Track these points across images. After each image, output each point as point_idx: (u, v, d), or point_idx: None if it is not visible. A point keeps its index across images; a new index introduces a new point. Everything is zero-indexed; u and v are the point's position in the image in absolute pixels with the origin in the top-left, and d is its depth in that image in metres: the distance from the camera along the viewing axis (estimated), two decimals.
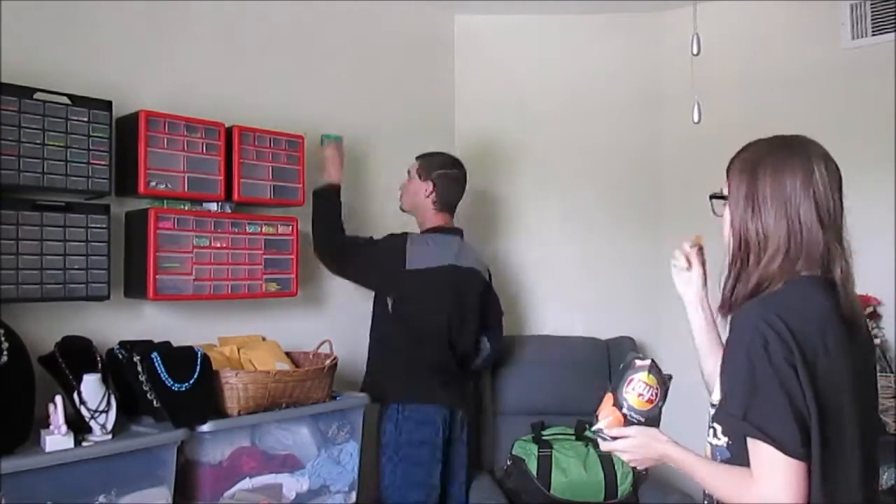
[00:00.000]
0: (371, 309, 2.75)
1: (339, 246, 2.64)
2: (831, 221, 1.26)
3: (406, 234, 2.68)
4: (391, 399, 2.59)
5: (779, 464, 1.16)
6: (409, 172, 2.78)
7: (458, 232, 2.80)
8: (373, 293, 2.77)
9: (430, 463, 2.56)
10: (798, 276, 1.28)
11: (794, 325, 1.19)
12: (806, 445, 1.15)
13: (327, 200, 2.63)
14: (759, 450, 1.18)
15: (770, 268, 1.28)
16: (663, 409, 1.41)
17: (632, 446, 1.41)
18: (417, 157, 2.78)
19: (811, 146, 1.40)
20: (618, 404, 1.42)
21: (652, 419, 1.42)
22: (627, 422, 1.40)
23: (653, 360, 1.41)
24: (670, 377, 1.37)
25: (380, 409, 2.62)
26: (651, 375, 1.41)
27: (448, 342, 2.65)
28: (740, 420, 1.21)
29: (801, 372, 1.16)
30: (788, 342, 1.17)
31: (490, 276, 2.92)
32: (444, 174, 2.72)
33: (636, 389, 1.41)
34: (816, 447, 1.15)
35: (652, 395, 1.41)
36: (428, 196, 2.71)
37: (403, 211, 2.84)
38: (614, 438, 1.41)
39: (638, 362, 1.42)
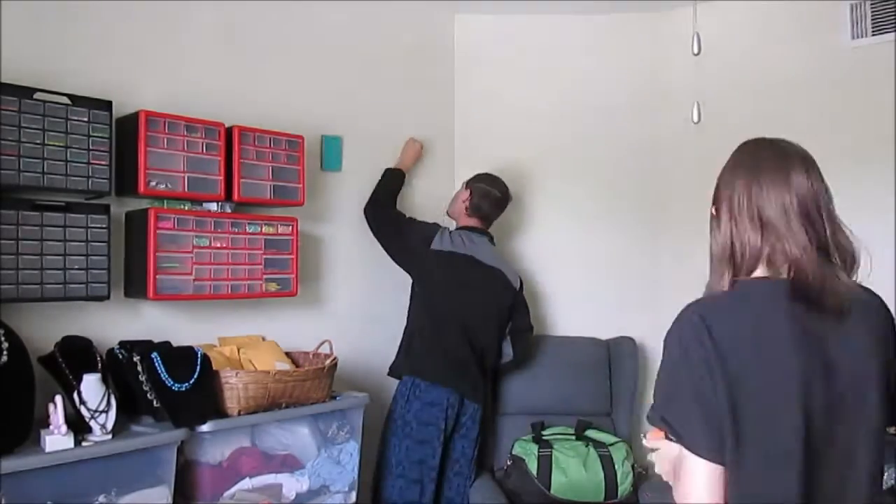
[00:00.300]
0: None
1: (385, 212, 2.91)
2: (786, 224, 1.27)
3: (439, 225, 2.92)
4: (406, 370, 2.76)
5: (693, 465, 1.16)
6: (463, 185, 3.07)
7: (487, 234, 3.01)
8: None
9: (433, 443, 2.66)
10: (751, 277, 1.29)
11: (719, 327, 1.18)
12: (725, 448, 1.14)
13: (393, 177, 2.98)
14: (680, 451, 1.19)
15: (713, 276, 1.34)
16: None
17: (658, 457, 1.41)
18: (471, 177, 3.06)
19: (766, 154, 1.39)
20: None
21: None
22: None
23: None
24: None
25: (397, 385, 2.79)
26: None
27: (463, 328, 2.78)
28: (659, 421, 1.22)
29: (719, 374, 1.14)
30: (706, 344, 1.17)
31: (521, 284, 3.02)
32: (481, 187, 2.98)
33: None
34: (731, 450, 1.13)
35: None
36: (464, 202, 2.96)
37: (449, 216, 3.11)
38: (653, 450, 1.40)
39: None
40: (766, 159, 1.36)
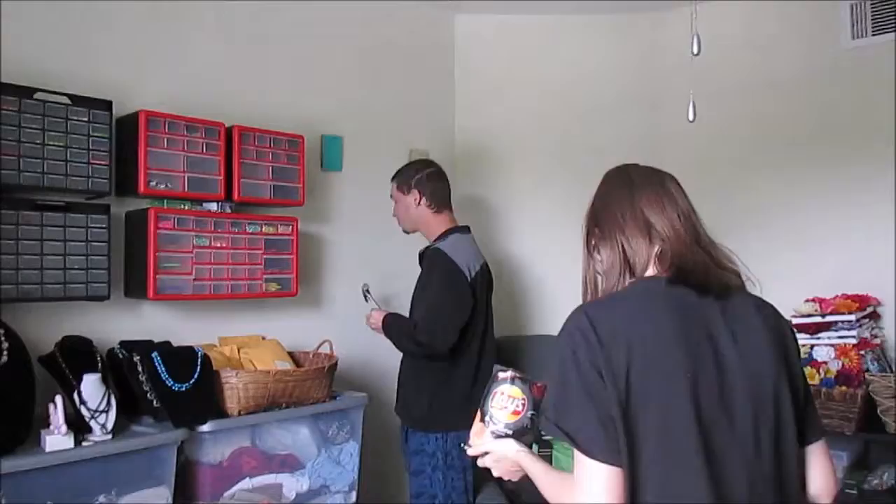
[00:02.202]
0: None
1: (412, 339, 2.45)
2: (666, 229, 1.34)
3: (438, 250, 2.49)
4: (441, 426, 2.48)
5: (589, 468, 1.15)
6: (392, 197, 2.66)
7: (468, 230, 2.68)
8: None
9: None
10: (635, 279, 1.33)
11: (604, 328, 1.18)
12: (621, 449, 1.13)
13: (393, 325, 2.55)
14: (575, 454, 1.18)
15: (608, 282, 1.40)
16: (537, 417, 1.37)
17: (492, 460, 1.43)
18: (392, 179, 2.65)
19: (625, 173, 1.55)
20: (484, 420, 1.40)
21: (521, 430, 1.39)
22: (496, 436, 1.38)
23: (515, 371, 1.38)
24: (545, 386, 1.33)
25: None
26: (514, 387, 1.36)
27: (495, 353, 2.60)
28: (553, 424, 1.21)
29: (606, 373, 1.14)
30: (593, 343, 1.17)
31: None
32: (422, 177, 2.58)
33: (499, 403, 1.37)
34: (626, 451, 1.12)
35: (517, 406, 1.37)
36: (420, 205, 2.57)
37: (408, 233, 2.69)
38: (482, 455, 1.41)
39: (500, 374, 1.37)
40: (640, 176, 1.49)
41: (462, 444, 1.53)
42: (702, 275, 1.29)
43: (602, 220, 1.49)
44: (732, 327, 1.25)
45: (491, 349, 2.59)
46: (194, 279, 2.28)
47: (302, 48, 2.85)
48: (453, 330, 2.40)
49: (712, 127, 3.15)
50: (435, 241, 2.56)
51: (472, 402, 2.40)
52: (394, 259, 2.97)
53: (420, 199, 2.57)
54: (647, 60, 3.46)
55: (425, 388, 2.49)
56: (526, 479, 1.45)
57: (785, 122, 3.11)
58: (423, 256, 2.57)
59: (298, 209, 2.63)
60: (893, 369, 2.71)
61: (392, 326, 2.52)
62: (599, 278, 1.49)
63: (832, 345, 2.69)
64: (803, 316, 2.77)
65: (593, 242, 1.53)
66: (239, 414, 2.17)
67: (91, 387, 1.90)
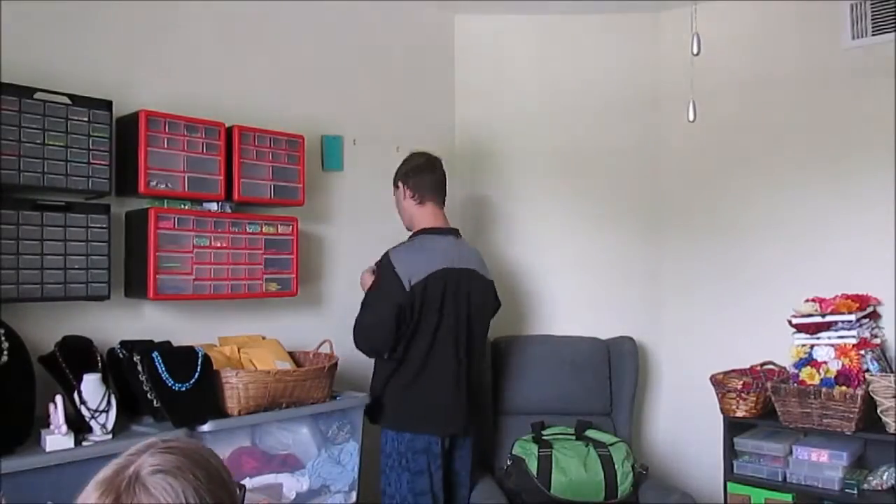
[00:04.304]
0: None
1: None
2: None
3: (386, 253, 2.53)
4: (390, 425, 2.56)
5: None
6: (394, 196, 2.72)
7: (452, 232, 2.64)
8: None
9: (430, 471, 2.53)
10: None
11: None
12: None
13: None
14: None
15: None
16: None
17: None
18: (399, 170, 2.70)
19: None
20: None
21: None
22: None
23: None
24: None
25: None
26: None
27: (454, 358, 2.54)
28: None
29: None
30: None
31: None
32: (408, 170, 2.63)
33: None
34: None
35: None
36: (407, 198, 2.62)
37: (410, 230, 2.67)
38: None
39: None
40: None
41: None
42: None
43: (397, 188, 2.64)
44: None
45: (443, 351, 2.52)
46: (194, 279, 2.28)
47: (302, 48, 2.85)
48: (381, 340, 2.47)
49: (712, 127, 3.16)
50: (403, 242, 2.59)
51: (410, 406, 2.52)
52: None
53: (405, 192, 2.62)
54: (647, 60, 3.46)
55: (377, 386, 2.60)
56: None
57: (785, 122, 3.11)
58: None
59: (298, 209, 2.63)
60: (893, 369, 2.71)
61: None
62: None
63: (832, 345, 2.69)
64: (803, 316, 2.77)
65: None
66: (239, 414, 2.17)
67: (91, 387, 1.91)
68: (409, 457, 2.51)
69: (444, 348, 2.53)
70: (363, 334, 2.51)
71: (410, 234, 2.64)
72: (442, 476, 2.56)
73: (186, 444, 0.93)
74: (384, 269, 2.50)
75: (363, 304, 2.54)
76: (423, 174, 2.62)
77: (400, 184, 2.65)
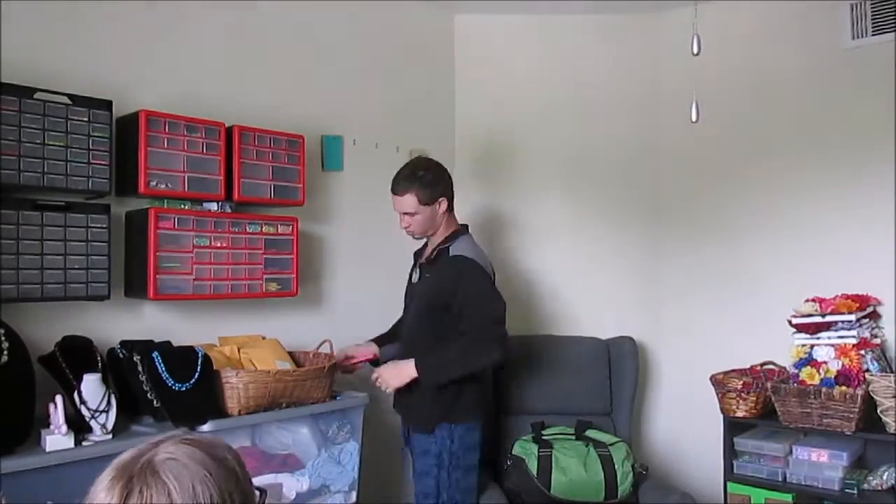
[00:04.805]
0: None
1: (481, 347, 2.39)
2: None
3: (465, 258, 2.40)
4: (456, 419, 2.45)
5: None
6: (408, 213, 2.45)
7: (459, 230, 2.57)
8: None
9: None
10: None
11: None
12: None
13: (437, 366, 2.39)
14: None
15: None
16: None
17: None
18: (407, 188, 2.43)
19: None
20: None
21: None
22: None
23: None
24: None
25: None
26: None
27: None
28: None
29: None
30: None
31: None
32: (448, 181, 2.50)
33: None
34: None
35: None
36: (443, 213, 2.48)
37: (417, 238, 2.58)
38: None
39: None
40: None
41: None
42: None
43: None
44: None
45: None
46: (194, 279, 2.28)
47: (302, 48, 2.85)
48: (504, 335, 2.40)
49: (712, 127, 3.15)
50: (445, 241, 2.48)
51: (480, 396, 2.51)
52: (394, 259, 2.96)
53: (448, 204, 2.48)
54: (647, 60, 3.46)
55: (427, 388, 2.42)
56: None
57: (785, 122, 3.11)
58: (439, 258, 2.47)
59: (298, 209, 2.63)
60: (893, 369, 2.71)
61: (442, 360, 2.37)
62: None
63: (832, 345, 2.69)
64: (803, 316, 2.77)
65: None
66: (239, 414, 2.17)
67: (91, 387, 1.91)
68: (460, 454, 2.43)
69: None
70: (499, 335, 2.38)
71: (451, 231, 2.50)
72: None
73: (206, 439, 0.95)
74: (476, 272, 2.38)
75: (483, 315, 2.35)
76: (453, 191, 2.52)
77: (443, 200, 2.45)
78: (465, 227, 2.58)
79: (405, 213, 2.46)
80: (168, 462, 0.87)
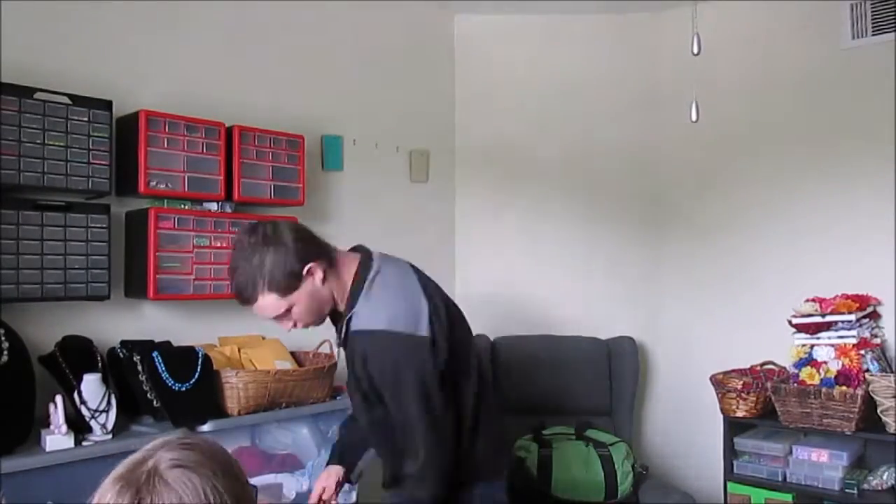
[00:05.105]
0: None
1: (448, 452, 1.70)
2: None
3: (364, 334, 1.67)
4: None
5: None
6: (280, 314, 1.70)
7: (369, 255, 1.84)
8: None
9: None
10: None
11: None
12: None
13: None
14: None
15: None
16: None
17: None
18: (255, 293, 1.65)
19: None
20: None
21: None
22: None
23: None
24: None
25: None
26: None
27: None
28: None
29: None
30: None
31: None
32: (296, 245, 1.71)
33: None
34: None
35: None
36: (320, 281, 1.71)
37: (318, 325, 1.82)
38: None
39: None
40: None
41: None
42: None
43: None
44: None
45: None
46: (194, 279, 2.28)
47: (302, 48, 2.85)
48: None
49: (712, 127, 3.15)
50: (348, 310, 1.70)
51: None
52: None
53: (322, 272, 1.71)
54: (647, 60, 3.46)
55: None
56: None
57: (785, 122, 3.11)
58: (346, 337, 1.71)
59: (298, 209, 2.63)
60: (893, 369, 2.71)
61: None
62: None
63: (832, 345, 2.69)
64: (803, 316, 2.77)
65: None
66: (239, 414, 2.17)
67: (91, 387, 1.91)
68: None
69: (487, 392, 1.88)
70: (431, 465, 1.67)
71: (349, 291, 1.73)
72: None
73: (202, 440, 0.94)
74: (385, 350, 1.65)
75: (408, 427, 1.67)
76: (313, 236, 1.83)
77: (312, 266, 1.70)
78: (365, 262, 1.77)
79: (277, 318, 1.72)
80: (174, 469, 0.86)
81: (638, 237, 3.46)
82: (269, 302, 1.67)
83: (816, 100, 3.01)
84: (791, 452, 2.73)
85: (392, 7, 3.18)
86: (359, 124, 3.03)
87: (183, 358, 2.11)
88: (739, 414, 2.81)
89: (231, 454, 0.96)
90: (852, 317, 2.67)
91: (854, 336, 2.66)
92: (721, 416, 2.86)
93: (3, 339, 1.83)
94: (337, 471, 1.96)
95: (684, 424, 3.34)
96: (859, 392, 2.52)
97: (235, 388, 2.16)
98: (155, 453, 0.89)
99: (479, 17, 3.46)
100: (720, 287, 3.25)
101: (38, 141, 1.94)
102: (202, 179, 2.31)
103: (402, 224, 3.16)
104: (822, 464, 2.65)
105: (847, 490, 2.58)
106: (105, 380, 1.96)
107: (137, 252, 2.21)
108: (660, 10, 3.39)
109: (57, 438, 1.81)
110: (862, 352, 2.63)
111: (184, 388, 2.05)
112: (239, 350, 2.39)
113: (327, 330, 2.62)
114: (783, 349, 2.85)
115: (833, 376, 2.62)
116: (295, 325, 1.74)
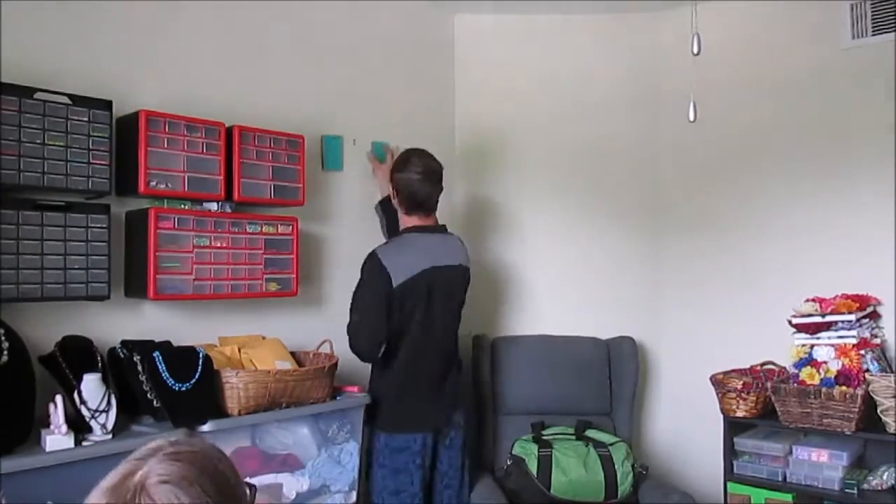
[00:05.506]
0: None
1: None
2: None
3: (374, 252, 2.55)
4: (377, 426, 2.58)
5: None
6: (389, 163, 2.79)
7: (439, 229, 2.70)
8: None
9: (410, 472, 2.54)
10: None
11: None
12: None
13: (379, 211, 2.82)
14: None
15: None
16: None
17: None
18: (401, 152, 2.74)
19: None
20: None
21: None
22: None
23: None
24: None
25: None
26: None
27: (441, 354, 2.64)
28: None
29: None
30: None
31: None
32: (402, 176, 2.61)
33: None
34: None
35: None
36: (395, 199, 2.67)
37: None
38: None
39: None
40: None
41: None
42: None
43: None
44: None
45: (433, 350, 2.61)
46: (194, 279, 2.28)
47: (302, 48, 2.85)
48: (372, 338, 2.49)
49: (712, 127, 3.16)
50: (386, 242, 2.68)
51: (402, 406, 2.55)
52: None
53: (397, 196, 2.65)
54: (647, 60, 3.46)
55: (373, 388, 2.62)
56: None
57: (785, 122, 3.11)
58: None
59: (298, 209, 2.63)
60: (893, 369, 2.71)
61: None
62: None
63: (832, 345, 2.69)
64: (803, 316, 2.77)
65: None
66: (239, 414, 2.17)
67: (91, 387, 1.90)
68: (388, 454, 2.54)
69: (432, 346, 2.60)
70: (355, 332, 2.52)
71: (398, 232, 2.70)
72: (423, 475, 2.56)
73: (194, 449, 0.92)
74: (372, 265, 2.52)
75: (352, 306, 2.56)
76: (421, 187, 2.61)
77: (395, 184, 2.65)
78: (424, 227, 2.66)
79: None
80: (162, 485, 0.84)
81: (638, 237, 3.46)
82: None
83: (816, 100, 3.02)
84: (791, 452, 2.73)
85: (392, 7, 3.18)
86: (359, 124, 3.02)
87: (183, 358, 2.11)
88: (739, 414, 2.81)
89: (228, 460, 0.94)
90: (852, 317, 2.67)
91: (854, 336, 2.66)
92: (721, 416, 2.86)
93: (3, 339, 1.83)
94: None
95: (684, 424, 3.34)
96: (859, 392, 2.53)
97: (235, 388, 2.16)
98: (144, 464, 0.87)
99: (479, 16, 3.46)
100: (720, 287, 3.26)
101: (38, 141, 1.94)
102: (202, 179, 2.31)
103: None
104: (822, 464, 2.65)
105: (847, 490, 2.58)
106: (105, 380, 1.96)
107: (137, 252, 2.21)
108: (660, 10, 3.39)
109: (57, 438, 1.81)
110: (862, 352, 2.64)
111: (184, 388, 2.05)
112: (239, 350, 2.39)
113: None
114: (783, 349, 2.85)
115: (833, 376, 2.62)
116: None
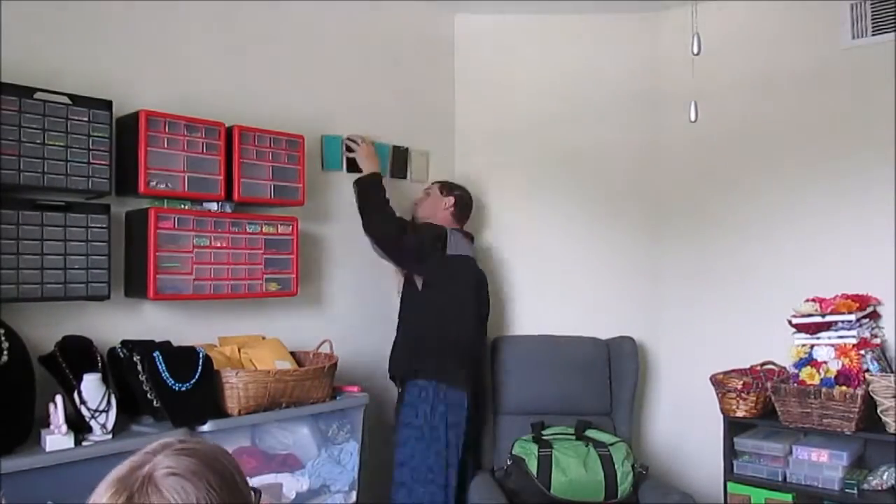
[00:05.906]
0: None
1: (397, 221, 2.85)
2: None
3: (444, 227, 2.95)
4: (423, 376, 2.74)
5: None
6: (428, 192, 3.09)
7: (471, 237, 3.09)
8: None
9: (458, 445, 2.74)
10: None
11: None
12: None
13: (377, 185, 2.86)
14: None
15: None
16: None
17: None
18: (436, 182, 3.13)
19: None
20: None
21: None
22: None
23: None
24: None
25: (401, 387, 2.80)
26: None
27: (479, 320, 2.98)
28: None
29: None
30: None
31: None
32: (462, 195, 3.08)
33: None
34: None
35: None
36: (447, 209, 3.02)
37: (421, 218, 3.05)
38: None
39: None
40: None
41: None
42: None
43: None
44: None
45: (465, 318, 2.89)
46: (194, 279, 2.28)
47: (302, 48, 2.85)
48: (426, 246, 2.85)
49: (712, 127, 3.15)
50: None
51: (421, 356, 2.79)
52: None
53: (452, 206, 3.04)
54: (647, 60, 3.46)
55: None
56: None
57: (785, 122, 3.11)
58: None
59: (298, 209, 2.63)
60: (893, 369, 2.71)
61: (373, 187, 2.86)
62: None
63: (832, 345, 2.69)
64: (803, 316, 2.77)
65: None
66: (239, 414, 2.17)
67: (91, 386, 1.91)
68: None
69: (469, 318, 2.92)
70: (419, 236, 2.88)
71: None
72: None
73: (202, 446, 0.93)
74: (440, 229, 2.92)
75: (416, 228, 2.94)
76: (469, 208, 3.12)
77: (452, 198, 3.04)
78: (466, 232, 3.09)
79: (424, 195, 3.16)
80: (169, 477, 0.85)
81: (638, 237, 3.46)
82: (433, 187, 3.13)
83: (816, 100, 3.01)
84: (791, 452, 2.73)
85: (392, 7, 3.18)
86: (359, 124, 3.02)
87: (183, 358, 2.11)
88: (739, 414, 2.81)
89: (235, 462, 0.95)
90: (852, 317, 2.67)
91: (854, 336, 2.66)
92: (721, 416, 2.86)
93: (3, 339, 1.83)
94: None
95: (684, 424, 3.34)
96: (859, 392, 2.53)
97: (235, 388, 2.16)
98: (153, 457, 0.88)
99: (479, 16, 3.46)
100: (720, 287, 3.26)
101: (38, 141, 1.94)
102: (202, 179, 2.31)
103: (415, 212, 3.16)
104: (822, 464, 2.65)
105: (847, 490, 2.58)
106: (105, 380, 1.96)
107: (137, 252, 2.21)
108: (660, 10, 3.39)
109: (57, 438, 1.81)
110: (862, 352, 2.63)
111: (184, 388, 2.06)
112: (239, 350, 2.39)
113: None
114: (783, 349, 2.85)
115: (833, 376, 2.62)
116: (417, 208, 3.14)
